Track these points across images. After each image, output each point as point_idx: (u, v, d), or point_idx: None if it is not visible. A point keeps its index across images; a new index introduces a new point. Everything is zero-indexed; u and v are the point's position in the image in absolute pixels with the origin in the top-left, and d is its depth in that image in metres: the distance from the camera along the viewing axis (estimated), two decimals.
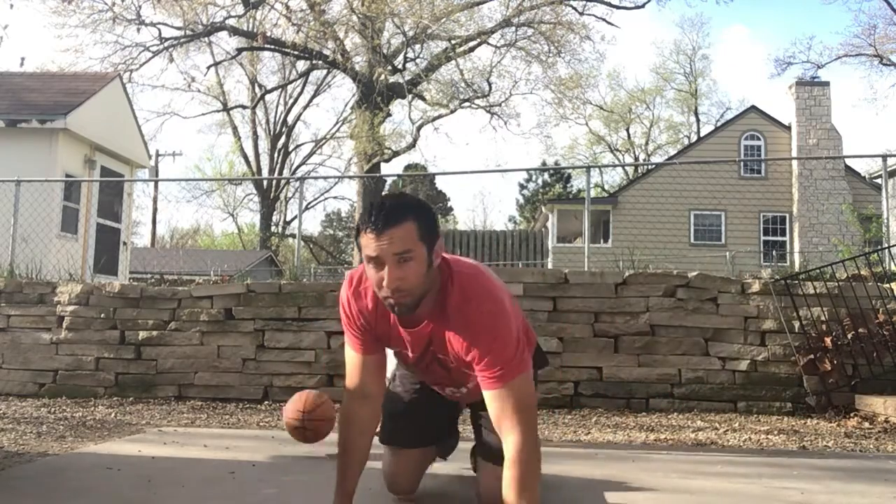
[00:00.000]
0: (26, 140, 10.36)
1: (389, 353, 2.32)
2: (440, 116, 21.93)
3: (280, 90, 33.01)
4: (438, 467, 2.88)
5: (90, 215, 11.33)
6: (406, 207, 1.97)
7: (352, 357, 2.24)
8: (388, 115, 20.52)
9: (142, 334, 5.92)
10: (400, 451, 2.52)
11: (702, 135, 30.41)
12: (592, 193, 15.03)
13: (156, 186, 28.81)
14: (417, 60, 20.33)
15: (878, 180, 14.17)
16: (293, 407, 3.44)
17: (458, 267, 2.11)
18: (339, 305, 2.24)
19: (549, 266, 18.24)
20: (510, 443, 1.97)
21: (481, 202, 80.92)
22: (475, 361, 2.04)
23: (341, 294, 2.22)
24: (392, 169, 43.28)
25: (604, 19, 21.01)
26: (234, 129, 34.55)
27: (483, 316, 2.02)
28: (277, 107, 35.30)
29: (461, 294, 2.04)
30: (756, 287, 5.56)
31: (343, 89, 53.12)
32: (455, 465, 2.98)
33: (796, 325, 5.43)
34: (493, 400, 2.02)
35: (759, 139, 21.49)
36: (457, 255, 2.25)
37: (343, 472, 2.21)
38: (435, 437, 2.60)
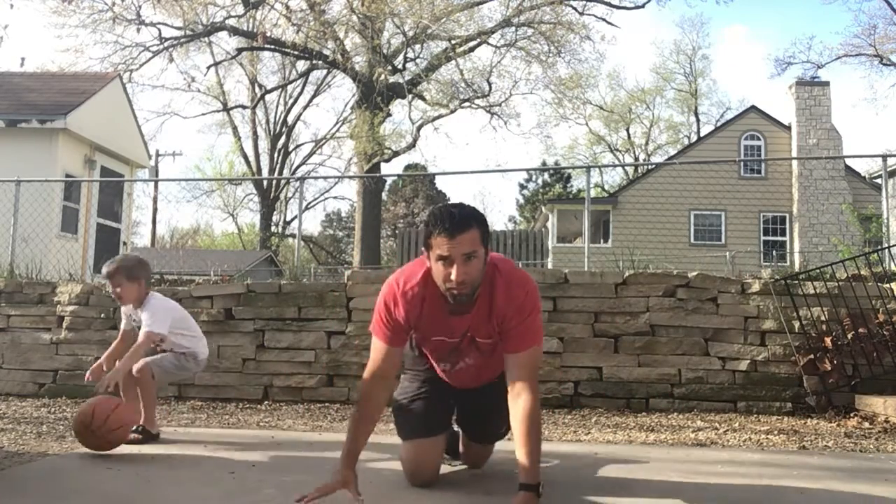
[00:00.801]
0: (26, 140, 10.37)
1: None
2: (440, 116, 21.95)
3: (280, 90, 33.04)
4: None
5: (90, 215, 11.33)
6: (471, 216, 2.44)
7: (379, 346, 2.61)
8: (388, 115, 20.53)
9: None
10: (421, 442, 2.79)
11: (702, 135, 30.43)
12: (592, 193, 15.03)
13: (156, 186, 28.85)
14: (417, 60, 20.34)
15: (878, 180, 14.17)
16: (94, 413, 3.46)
17: (495, 260, 2.59)
18: (381, 307, 2.61)
19: (549, 266, 18.24)
20: (523, 398, 2.46)
21: (481, 202, 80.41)
22: (513, 331, 2.53)
23: (385, 296, 2.61)
24: (392, 169, 43.33)
25: (604, 19, 21.05)
26: (234, 129, 34.58)
27: (527, 295, 2.55)
28: (277, 107, 35.36)
29: (507, 281, 2.55)
30: (756, 287, 5.56)
31: (343, 89, 53.25)
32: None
33: (796, 325, 5.43)
34: (518, 359, 2.52)
35: (759, 139, 21.49)
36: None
37: (355, 438, 2.53)
38: (441, 428, 2.89)
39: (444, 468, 3.03)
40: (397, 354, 2.64)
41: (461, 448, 3.04)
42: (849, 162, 20.62)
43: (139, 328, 3.92)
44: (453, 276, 2.38)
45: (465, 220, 2.40)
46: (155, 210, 30.66)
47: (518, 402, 2.46)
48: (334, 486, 2.42)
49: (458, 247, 2.36)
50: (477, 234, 2.40)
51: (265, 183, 34.06)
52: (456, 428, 3.03)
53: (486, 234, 2.46)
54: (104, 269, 4.05)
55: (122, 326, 4.19)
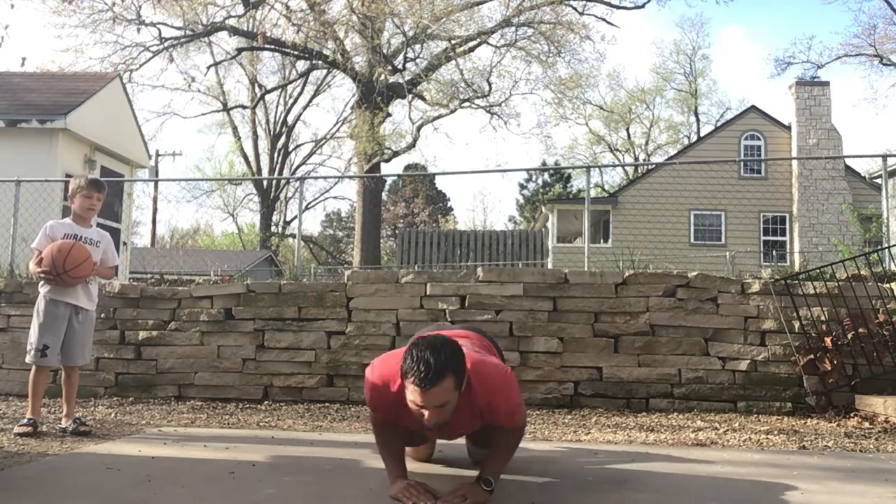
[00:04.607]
0: (26, 140, 10.36)
1: None
2: (440, 116, 21.93)
3: (280, 90, 33.02)
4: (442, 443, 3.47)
5: None
6: (445, 367, 2.44)
7: (377, 419, 2.84)
8: (388, 115, 20.52)
9: (142, 334, 5.92)
10: (414, 448, 3.26)
11: (702, 135, 30.42)
12: (592, 193, 15.03)
13: (156, 186, 28.83)
14: (417, 60, 20.32)
15: (878, 180, 14.16)
16: (58, 259, 3.96)
17: (469, 368, 2.59)
18: (367, 389, 2.78)
19: (549, 266, 18.23)
20: (507, 432, 2.75)
21: (481, 202, 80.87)
22: (497, 419, 2.71)
23: (369, 386, 2.77)
24: (392, 169, 43.38)
25: (604, 19, 21.05)
26: (234, 129, 34.56)
27: (508, 398, 2.70)
28: (277, 107, 35.33)
29: (484, 384, 2.62)
30: (756, 287, 5.56)
31: (343, 89, 53.19)
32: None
33: (796, 325, 5.43)
34: (501, 433, 2.75)
35: (759, 139, 21.49)
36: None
37: (395, 458, 2.79)
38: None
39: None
40: (394, 422, 2.80)
41: (466, 449, 3.32)
42: (849, 162, 20.62)
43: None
44: (425, 419, 2.49)
45: (440, 373, 2.42)
46: (155, 210, 30.66)
47: (499, 432, 2.75)
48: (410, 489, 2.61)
49: (431, 399, 2.44)
50: (451, 384, 2.46)
51: (265, 183, 34.04)
52: None
53: (462, 378, 2.52)
54: (94, 179, 4.40)
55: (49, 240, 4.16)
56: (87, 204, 4.22)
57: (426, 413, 2.48)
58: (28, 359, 4.12)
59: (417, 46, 19.82)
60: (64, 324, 4.11)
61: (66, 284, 4.07)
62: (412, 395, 2.47)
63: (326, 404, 5.57)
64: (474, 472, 2.74)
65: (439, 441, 3.49)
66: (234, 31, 19.54)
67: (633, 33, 59.86)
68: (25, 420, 4.04)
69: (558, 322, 5.60)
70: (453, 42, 19.42)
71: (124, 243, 12.32)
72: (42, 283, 4.14)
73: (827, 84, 21.02)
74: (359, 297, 5.78)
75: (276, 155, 35.25)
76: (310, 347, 5.75)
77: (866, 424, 4.77)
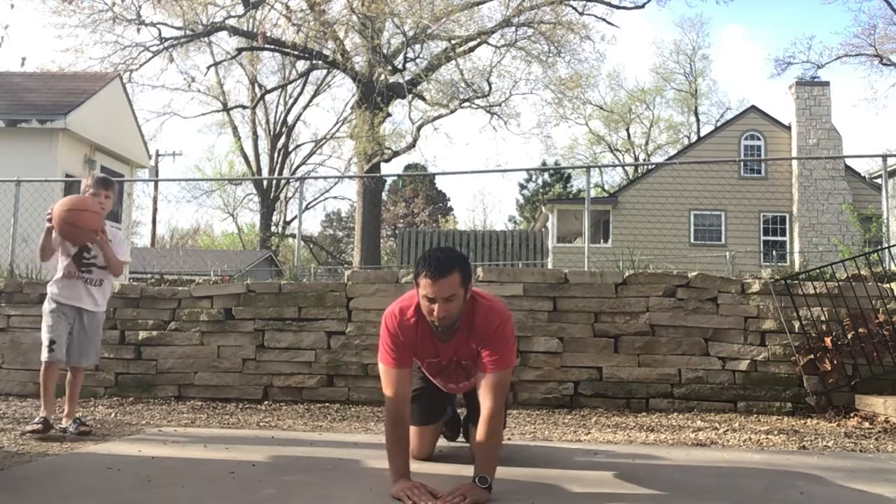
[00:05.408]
0: (26, 140, 10.37)
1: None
2: (440, 116, 21.92)
3: (280, 90, 33.01)
4: (443, 443, 3.61)
5: None
6: (453, 262, 2.80)
7: (392, 372, 2.93)
8: (388, 115, 20.52)
9: (142, 334, 5.92)
10: (419, 429, 3.30)
11: (702, 135, 30.41)
12: (592, 193, 15.04)
13: (156, 186, 28.83)
14: (417, 60, 20.32)
15: (878, 180, 14.16)
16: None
17: (477, 292, 2.98)
18: (385, 333, 2.97)
19: (549, 266, 18.22)
20: (486, 406, 2.84)
21: (481, 202, 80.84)
22: (487, 354, 2.88)
23: (388, 325, 2.97)
24: (392, 169, 43.39)
25: (604, 19, 21.05)
26: (234, 129, 34.56)
27: (500, 325, 2.92)
28: (277, 107, 35.32)
29: (487, 308, 2.94)
30: (756, 287, 5.56)
31: (343, 89, 53.17)
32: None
33: (796, 325, 5.43)
34: (487, 378, 2.88)
35: (759, 139, 21.48)
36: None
37: (401, 456, 2.84)
38: (439, 417, 3.44)
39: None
40: (409, 375, 2.99)
41: (471, 437, 3.36)
42: (849, 162, 20.61)
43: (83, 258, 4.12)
44: (435, 314, 2.78)
45: (448, 266, 2.76)
46: (155, 210, 30.65)
47: (484, 405, 2.85)
48: (414, 489, 2.66)
49: (440, 290, 2.74)
50: (458, 279, 2.77)
51: (265, 183, 34.04)
52: (460, 410, 3.62)
53: (467, 276, 2.83)
54: (102, 177, 4.30)
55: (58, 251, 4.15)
56: (95, 202, 4.21)
57: (436, 308, 2.74)
58: (42, 357, 4.09)
59: (417, 46, 19.82)
60: (69, 323, 4.11)
61: (65, 234, 3.93)
62: (424, 289, 2.77)
63: (326, 404, 5.57)
64: None
65: (439, 443, 3.53)
66: (234, 31, 19.54)
67: (633, 33, 59.90)
68: (38, 419, 4.00)
69: (558, 322, 5.60)
70: (453, 42, 19.41)
71: None
72: (50, 283, 4.14)
73: (827, 84, 21.02)
74: (359, 297, 5.78)
75: (276, 155, 35.25)
76: (310, 347, 5.75)
77: (866, 424, 4.77)
